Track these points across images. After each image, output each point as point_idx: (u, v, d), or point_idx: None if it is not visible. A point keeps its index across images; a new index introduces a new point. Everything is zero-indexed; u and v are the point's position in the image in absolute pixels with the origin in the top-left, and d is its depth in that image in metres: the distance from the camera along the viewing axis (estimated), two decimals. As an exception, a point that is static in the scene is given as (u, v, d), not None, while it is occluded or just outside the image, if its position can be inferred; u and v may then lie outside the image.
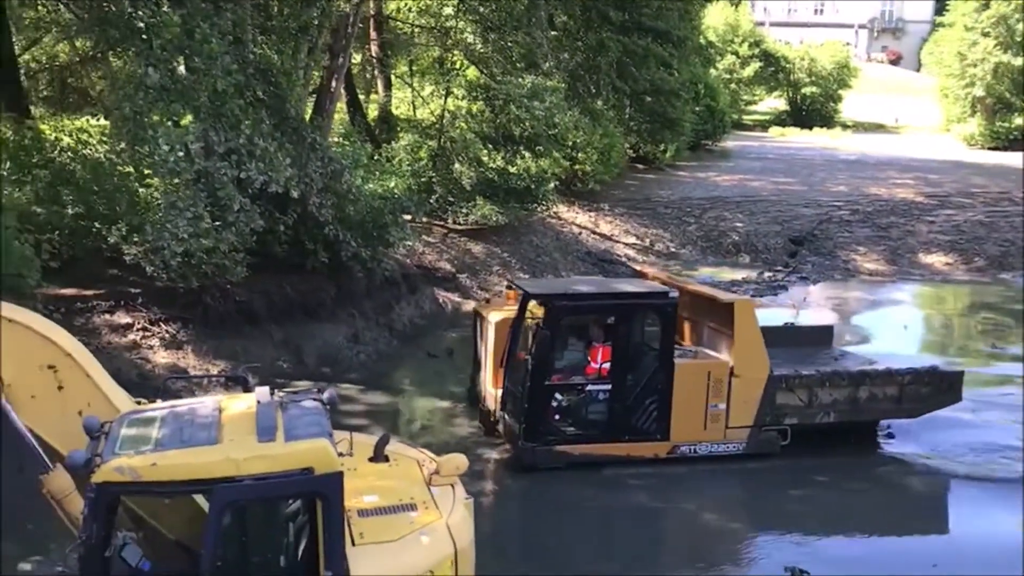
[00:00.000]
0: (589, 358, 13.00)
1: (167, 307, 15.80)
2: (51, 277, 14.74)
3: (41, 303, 12.38)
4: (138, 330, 15.39)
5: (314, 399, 6.77)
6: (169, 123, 11.45)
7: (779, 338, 14.77)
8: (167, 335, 15.53)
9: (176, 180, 11.62)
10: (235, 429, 6.23)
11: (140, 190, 16.35)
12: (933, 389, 13.95)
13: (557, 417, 12.71)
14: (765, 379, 13.16)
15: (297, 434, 6.14)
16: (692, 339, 14.31)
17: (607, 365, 12.80)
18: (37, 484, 6.80)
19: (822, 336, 16.08)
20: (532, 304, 13.09)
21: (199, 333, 15.79)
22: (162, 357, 15.16)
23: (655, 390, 12.84)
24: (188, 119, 11.80)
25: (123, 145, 14.14)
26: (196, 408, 6.66)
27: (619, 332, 12.83)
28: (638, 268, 16.24)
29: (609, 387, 12.73)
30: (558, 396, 12.68)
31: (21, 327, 6.85)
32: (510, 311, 13.56)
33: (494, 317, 13.82)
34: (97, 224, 15.38)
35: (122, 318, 15.43)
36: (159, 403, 6.95)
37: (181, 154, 11.03)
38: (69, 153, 16.79)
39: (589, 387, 12.76)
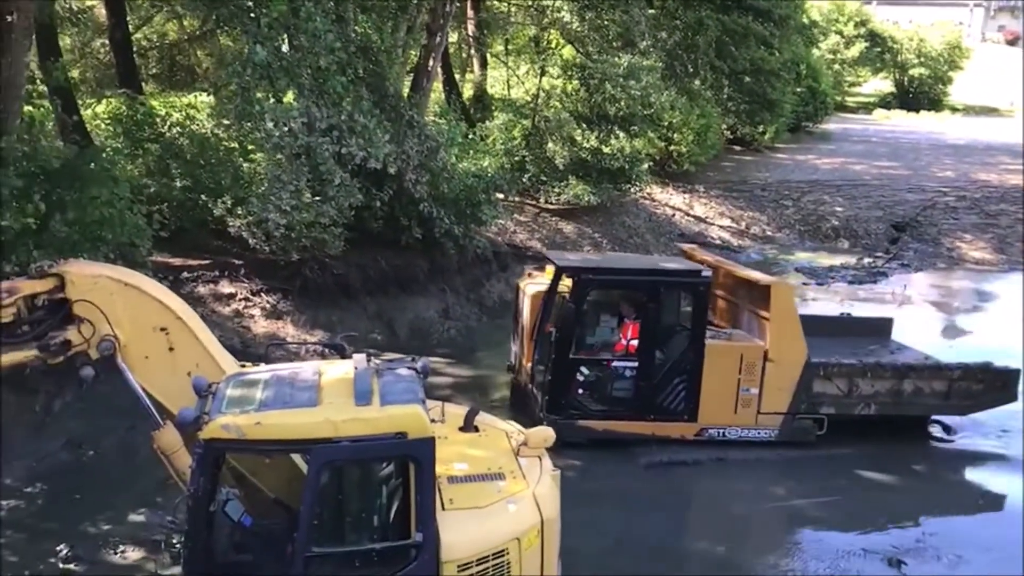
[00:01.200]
0: (620, 335, 12.87)
1: (268, 278, 16.36)
2: (160, 246, 15.44)
3: (152, 271, 12.95)
4: (240, 299, 15.98)
5: (408, 367, 6.97)
6: (273, 100, 11.82)
7: (835, 328, 14.48)
8: (268, 305, 16.08)
9: (280, 155, 12.00)
10: (334, 393, 6.47)
11: (244, 165, 17.00)
12: (986, 387, 13.29)
13: (581, 391, 12.57)
14: (801, 365, 12.72)
15: (392, 400, 6.34)
16: (733, 322, 13.92)
17: (635, 342, 12.60)
18: (149, 440, 7.22)
19: (881, 328, 15.45)
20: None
21: (298, 304, 16.31)
22: (263, 326, 15.71)
23: (684, 370, 12.59)
24: (291, 96, 12.17)
25: (228, 121, 14.63)
26: (297, 372, 6.93)
27: (648, 309, 12.58)
28: (684, 248, 15.83)
29: (636, 364, 12.55)
30: (584, 371, 12.56)
31: (136, 291, 7.23)
32: (546, 284, 13.45)
33: (530, 290, 13.72)
34: (203, 197, 16.03)
35: (226, 288, 16.04)
36: (262, 366, 7.27)
37: (286, 129, 11.37)
38: (178, 128, 17.49)
39: (615, 363, 12.61)
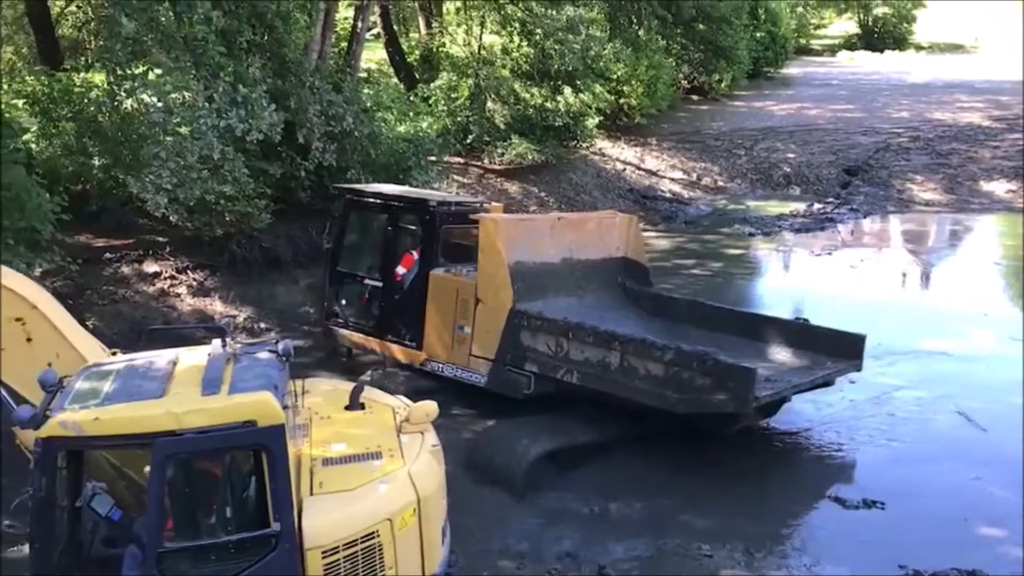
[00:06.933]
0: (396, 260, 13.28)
1: (194, 255, 16.06)
2: (82, 227, 15.08)
3: (60, 255, 12.64)
4: (166, 278, 15.69)
5: (270, 351, 6.75)
6: (151, 74, 11.41)
7: (795, 337, 12.28)
8: (194, 283, 15.80)
9: (157, 130, 11.64)
10: (183, 382, 6.24)
11: (168, 140, 16.49)
12: (715, 384, 10.32)
13: (344, 302, 13.54)
14: (507, 311, 11.77)
15: (243, 387, 6.11)
16: None
17: (401, 269, 12.97)
18: (10, 436, 6.99)
19: (849, 346, 11.85)
20: None
21: (225, 280, 16.03)
22: (189, 304, 15.45)
23: (415, 297, 12.71)
24: (162, 71, 11.74)
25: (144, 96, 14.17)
26: (153, 361, 6.68)
27: (387, 234, 13.07)
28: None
29: (380, 285, 13.05)
30: (352, 286, 13.43)
31: (-14, 282, 6.96)
32: None
33: None
34: (120, 175, 15.57)
35: (151, 267, 15.74)
36: (119, 356, 7.03)
37: (160, 104, 11.00)
38: (97, 105, 16.90)
39: (367, 281, 13.21)
